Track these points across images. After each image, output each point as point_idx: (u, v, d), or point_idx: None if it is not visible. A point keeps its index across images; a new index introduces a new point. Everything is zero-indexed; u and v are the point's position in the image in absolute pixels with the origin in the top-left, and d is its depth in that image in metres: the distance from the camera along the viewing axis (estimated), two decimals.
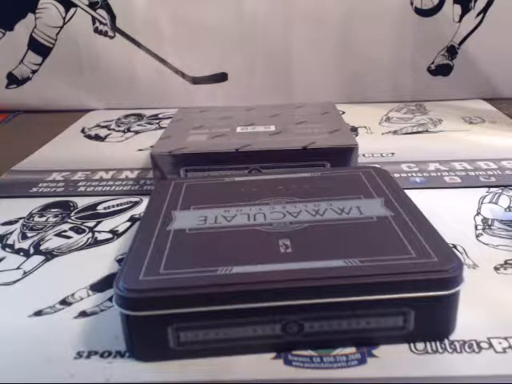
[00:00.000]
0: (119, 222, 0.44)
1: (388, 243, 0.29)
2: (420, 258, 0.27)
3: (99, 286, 0.35)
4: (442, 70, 0.80)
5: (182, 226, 0.32)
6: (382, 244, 0.29)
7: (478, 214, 0.43)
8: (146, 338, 0.26)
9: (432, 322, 0.27)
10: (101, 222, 0.45)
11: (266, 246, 0.29)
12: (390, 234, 0.30)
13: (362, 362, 0.27)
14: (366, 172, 0.40)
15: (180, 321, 0.26)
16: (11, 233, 0.43)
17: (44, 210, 0.48)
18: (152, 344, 0.27)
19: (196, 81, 0.81)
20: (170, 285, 0.26)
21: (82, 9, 0.78)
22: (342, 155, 0.47)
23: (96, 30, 0.79)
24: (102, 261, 0.38)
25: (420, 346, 0.28)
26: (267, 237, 0.30)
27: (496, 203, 0.45)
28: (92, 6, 0.78)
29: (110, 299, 0.32)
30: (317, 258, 0.28)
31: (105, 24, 0.79)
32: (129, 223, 0.44)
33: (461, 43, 0.79)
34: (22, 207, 0.48)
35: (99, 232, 0.43)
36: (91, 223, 0.45)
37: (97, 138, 0.70)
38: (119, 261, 0.38)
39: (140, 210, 0.47)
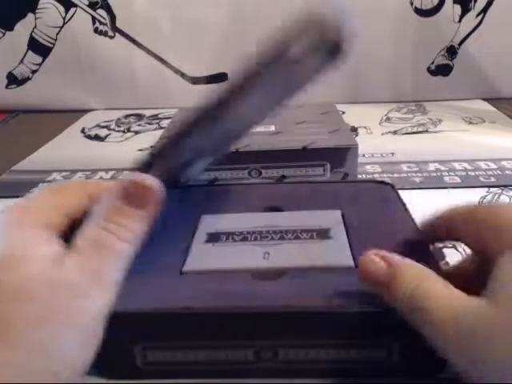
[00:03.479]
0: None
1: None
2: None
3: None
4: (442, 70, 0.80)
5: None
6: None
7: None
8: (113, 356, 0.25)
9: (420, 355, 0.24)
10: None
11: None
12: None
13: None
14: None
15: (147, 340, 0.25)
16: None
17: None
18: (119, 362, 0.26)
19: (196, 81, 0.81)
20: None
21: (82, 9, 0.78)
22: (342, 155, 0.47)
23: (96, 30, 0.79)
24: None
25: None
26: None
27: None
28: (92, 6, 0.78)
29: None
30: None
31: (105, 24, 0.79)
32: None
33: (461, 43, 0.79)
34: None
35: None
36: None
37: (97, 138, 0.70)
38: None
39: None
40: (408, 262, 0.23)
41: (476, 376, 0.20)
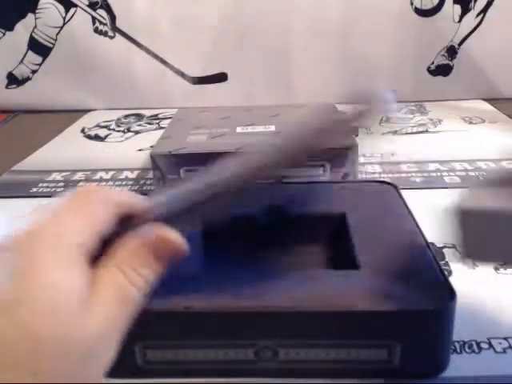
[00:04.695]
0: None
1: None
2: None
3: None
4: (442, 70, 0.80)
5: None
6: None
7: None
8: None
9: (421, 356, 0.25)
10: None
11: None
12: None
13: None
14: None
15: (147, 339, 0.25)
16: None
17: None
18: (120, 361, 0.26)
19: (196, 81, 0.81)
20: None
21: (82, 9, 0.78)
22: (342, 155, 0.47)
23: (96, 30, 0.79)
24: None
25: None
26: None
27: None
28: (92, 6, 0.78)
29: None
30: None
31: (105, 24, 0.79)
32: None
33: (461, 43, 0.79)
34: (22, 207, 0.48)
35: None
36: None
37: (97, 138, 0.70)
38: None
39: None
40: None
41: None
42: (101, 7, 0.78)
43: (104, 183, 0.53)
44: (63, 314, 0.18)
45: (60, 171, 0.57)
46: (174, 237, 0.22)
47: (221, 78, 0.81)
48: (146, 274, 0.22)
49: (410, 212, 0.33)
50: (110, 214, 0.22)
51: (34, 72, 0.81)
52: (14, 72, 0.81)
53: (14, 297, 0.18)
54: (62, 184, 0.54)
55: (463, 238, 0.24)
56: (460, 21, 0.78)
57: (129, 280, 0.21)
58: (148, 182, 0.53)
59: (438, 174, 0.52)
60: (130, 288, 0.21)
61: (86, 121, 0.78)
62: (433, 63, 0.80)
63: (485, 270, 0.35)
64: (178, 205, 0.24)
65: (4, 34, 0.79)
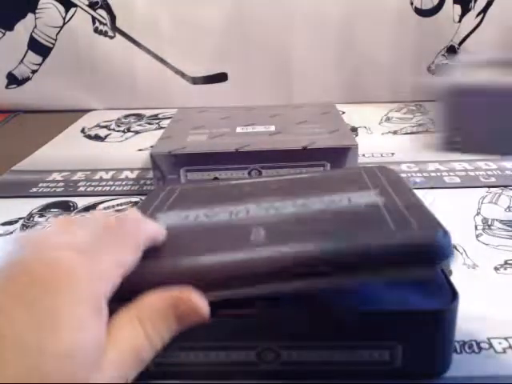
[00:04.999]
0: None
1: (373, 229, 0.25)
2: (404, 234, 0.24)
3: None
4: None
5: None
6: (365, 229, 0.26)
7: (478, 214, 0.43)
8: None
9: (423, 357, 0.25)
10: None
11: (239, 236, 0.26)
12: (377, 220, 0.26)
13: None
14: (369, 170, 0.35)
15: None
16: (11, 233, 0.43)
17: (44, 210, 0.48)
18: None
19: (196, 81, 0.81)
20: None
21: (82, 9, 0.78)
22: (342, 155, 0.47)
23: (96, 30, 0.79)
24: None
25: None
26: (241, 229, 0.27)
27: (496, 203, 0.45)
28: (92, 6, 0.78)
29: None
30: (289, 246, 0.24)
31: (105, 24, 0.79)
32: None
33: (461, 43, 0.79)
34: (22, 207, 0.48)
35: None
36: None
37: (97, 138, 0.70)
38: None
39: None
40: None
41: None
42: (101, 7, 0.78)
43: (104, 183, 0.53)
44: (79, 361, 0.18)
45: (60, 171, 0.57)
46: (202, 304, 0.22)
47: (221, 77, 0.81)
48: (164, 334, 0.22)
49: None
50: (138, 254, 0.23)
51: (34, 72, 0.81)
52: (13, 72, 0.81)
53: (36, 344, 0.18)
54: (62, 184, 0.54)
55: (456, 123, 0.20)
56: (460, 21, 0.78)
57: (146, 335, 0.21)
58: (148, 182, 0.53)
59: (438, 174, 0.52)
60: (146, 342, 0.21)
61: (85, 121, 0.78)
62: (433, 63, 0.80)
63: (485, 270, 0.35)
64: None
65: (4, 34, 0.79)
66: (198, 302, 0.22)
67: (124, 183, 0.53)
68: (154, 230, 0.25)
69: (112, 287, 0.21)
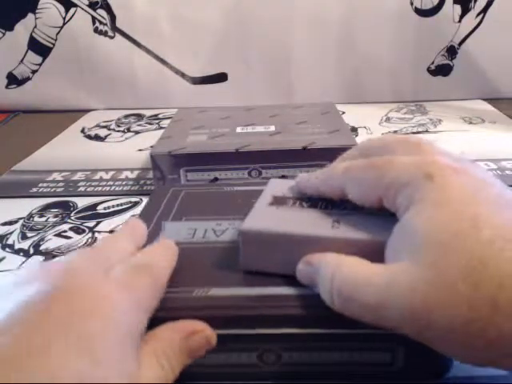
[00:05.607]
0: (119, 222, 0.44)
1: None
2: None
3: None
4: (442, 70, 0.80)
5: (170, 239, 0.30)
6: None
7: None
8: None
9: (424, 359, 0.25)
10: (101, 222, 0.45)
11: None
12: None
13: None
14: None
15: None
16: (11, 233, 0.43)
17: (44, 210, 0.48)
18: None
19: (196, 81, 0.81)
20: None
21: (82, 9, 0.78)
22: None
23: (96, 30, 0.79)
24: None
25: None
26: None
27: None
28: (92, 5, 0.78)
29: None
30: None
31: (105, 24, 0.79)
32: None
33: (461, 43, 0.79)
34: (22, 207, 0.48)
35: (99, 232, 0.43)
36: (91, 223, 0.45)
37: (97, 138, 0.70)
38: None
39: (140, 210, 0.47)
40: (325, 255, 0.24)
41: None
42: (101, 7, 0.78)
43: (104, 183, 0.53)
44: None
45: (60, 171, 0.57)
46: (212, 337, 0.24)
47: (221, 77, 0.81)
48: (175, 368, 0.23)
49: None
50: (161, 295, 0.24)
51: (34, 72, 0.81)
52: (13, 72, 0.81)
53: (76, 374, 0.18)
54: (62, 184, 0.54)
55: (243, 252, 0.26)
56: (460, 21, 0.78)
57: (163, 370, 0.22)
58: (148, 182, 0.53)
59: None
60: (162, 375, 0.22)
61: (85, 121, 0.78)
62: (433, 63, 0.80)
63: None
64: None
65: (4, 34, 0.80)
66: (211, 338, 0.24)
67: (124, 183, 0.53)
68: (173, 263, 0.26)
69: (144, 328, 0.22)
